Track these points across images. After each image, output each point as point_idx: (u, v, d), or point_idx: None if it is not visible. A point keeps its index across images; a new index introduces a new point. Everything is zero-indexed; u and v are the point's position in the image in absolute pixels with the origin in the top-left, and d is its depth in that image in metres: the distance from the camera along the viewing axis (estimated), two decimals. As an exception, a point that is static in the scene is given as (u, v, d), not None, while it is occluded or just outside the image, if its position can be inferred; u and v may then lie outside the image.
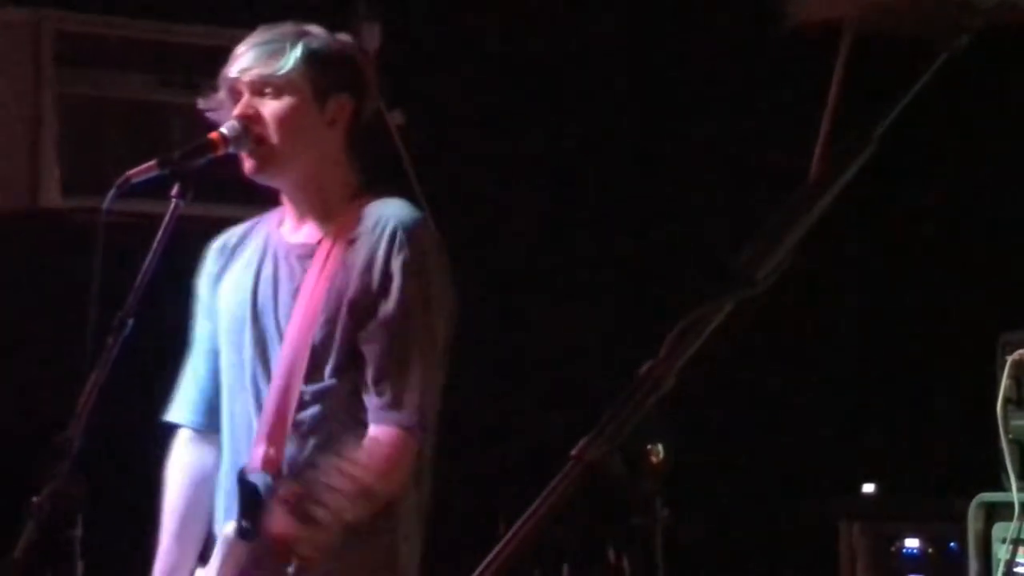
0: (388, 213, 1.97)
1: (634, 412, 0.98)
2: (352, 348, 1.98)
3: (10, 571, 1.84)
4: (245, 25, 2.17)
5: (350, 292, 1.96)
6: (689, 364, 0.95)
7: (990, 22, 1.08)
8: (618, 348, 2.64)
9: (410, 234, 1.95)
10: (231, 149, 1.99)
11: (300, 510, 1.88)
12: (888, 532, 3.19)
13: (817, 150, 1.51)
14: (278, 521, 1.90)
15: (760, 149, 2.85)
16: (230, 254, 2.12)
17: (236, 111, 1.97)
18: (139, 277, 1.95)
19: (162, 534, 2.15)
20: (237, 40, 2.09)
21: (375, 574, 2.03)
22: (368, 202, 2.01)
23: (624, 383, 0.97)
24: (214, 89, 2.09)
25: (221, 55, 2.14)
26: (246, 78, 1.96)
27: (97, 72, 2.49)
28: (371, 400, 1.94)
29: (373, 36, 2.47)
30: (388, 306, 1.97)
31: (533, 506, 1.05)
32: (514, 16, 3.06)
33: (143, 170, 1.95)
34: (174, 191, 1.97)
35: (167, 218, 1.97)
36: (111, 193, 1.92)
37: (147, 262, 1.96)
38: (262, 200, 2.21)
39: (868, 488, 3.27)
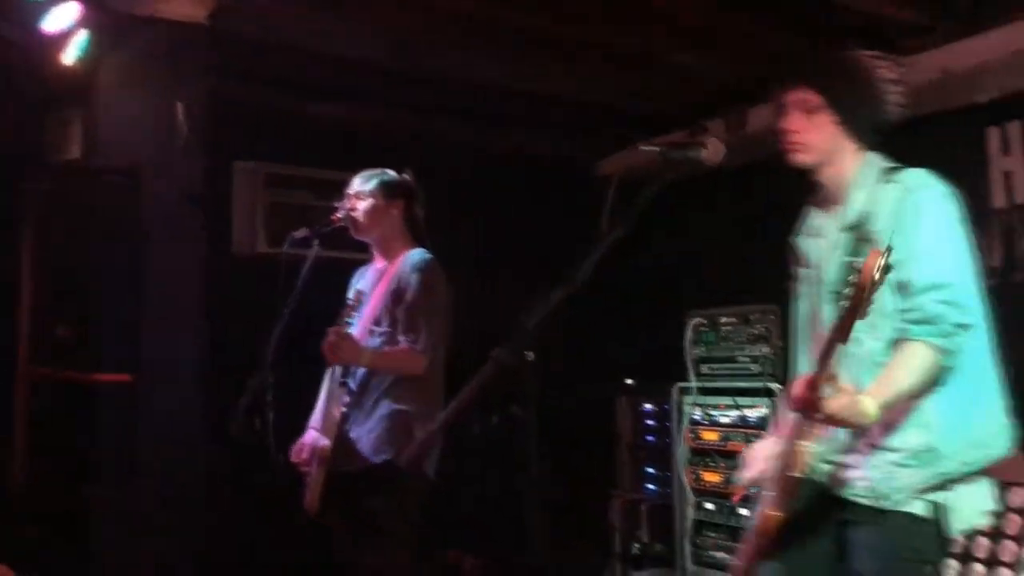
0: (414, 255, 3.29)
1: (521, 337, 1.88)
2: (393, 314, 3.23)
3: (238, 414, 3.09)
4: (353, 169, 3.47)
5: (394, 288, 3.24)
6: (541, 320, 1.85)
7: (677, 177, 2.07)
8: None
9: (421, 263, 3.25)
10: (343, 223, 3.31)
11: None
12: (638, 400, 4.93)
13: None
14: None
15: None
16: (358, 276, 3.51)
17: (347, 206, 3.32)
18: (297, 287, 3.19)
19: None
20: (349, 176, 3.39)
21: (394, 419, 3.15)
22: (412, 250, 3.31)
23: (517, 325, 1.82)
24: (343, 197, 3.37)
25: (343, 183, 3.43)
26: (353, 192, 3.32)
27: (283, 190, 4.38)
28: (401, 338, 3.20)
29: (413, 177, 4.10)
30: (408, 296, 3.22)
31: (471, 384, 1.84)
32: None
33: (300, 233, 3.32)
34: (315, 243, 3.29)
35: (310, 257, 3.25)
36: (287, 243, 3.29)
37: (301, 279, 3.23)
38: (360, 249, 3.48)
39: (629, 381, 5.05)
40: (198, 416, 3.65)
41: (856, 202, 2.13)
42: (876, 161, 2.20)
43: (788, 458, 1.96)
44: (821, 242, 2.22)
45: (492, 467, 4.50)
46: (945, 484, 1.98)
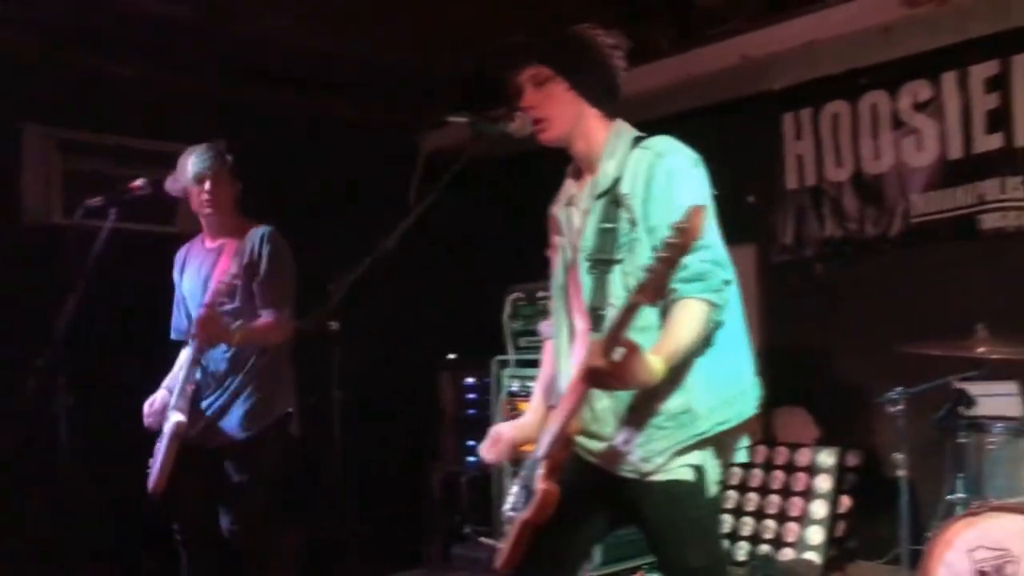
0: (259, 229, 3.32)
1: (327, 307, 1.96)
2: (249, 289, 3.28)
3: (25, 397, 2.94)
4: (171, 139, 3.53)
5: (246, 263, 3.24)
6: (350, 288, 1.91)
7: (489, 149, 2.14)
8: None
9: (270, 236, 3.31)
10: (142, 192, 3.18)
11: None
12: (461, 375, 5.09)
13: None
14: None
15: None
16: (186, 253, 3.42)
17: (207, 188, 3.26)
18: (90, 259, 3.05)
19: None
20: (162, 147, 3.53)
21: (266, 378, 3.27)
22: (251, 225, 3.35)
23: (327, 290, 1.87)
24: (168, 168, 3.32)
25: (147, 151, 3.69)
26: (209, 173, 3.26)
27: (80, 157, 4.09)
28: (264, 312, 3.27)
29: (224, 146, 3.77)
30: (261, 268, 3.27)
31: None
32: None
33: (95, 202, 3.18)
34: (111, 212, 3.17)
35: (105, 228, 3.11)
36: (78, 213, 3.15)
37: (95, 250, 3.09)
38: (162, 220, 3.79)
39: (451, 355, 5.25)
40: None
41: (608, 169, 2.14)
42: (626, 130, 2.22)
43: (560, 431, 1.99)
44: (573, 211, 2.24)
45: (314, 444, 4.51)
46: (700, 444, 2.03)
